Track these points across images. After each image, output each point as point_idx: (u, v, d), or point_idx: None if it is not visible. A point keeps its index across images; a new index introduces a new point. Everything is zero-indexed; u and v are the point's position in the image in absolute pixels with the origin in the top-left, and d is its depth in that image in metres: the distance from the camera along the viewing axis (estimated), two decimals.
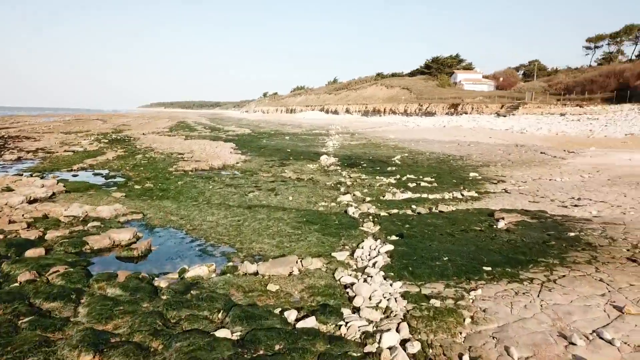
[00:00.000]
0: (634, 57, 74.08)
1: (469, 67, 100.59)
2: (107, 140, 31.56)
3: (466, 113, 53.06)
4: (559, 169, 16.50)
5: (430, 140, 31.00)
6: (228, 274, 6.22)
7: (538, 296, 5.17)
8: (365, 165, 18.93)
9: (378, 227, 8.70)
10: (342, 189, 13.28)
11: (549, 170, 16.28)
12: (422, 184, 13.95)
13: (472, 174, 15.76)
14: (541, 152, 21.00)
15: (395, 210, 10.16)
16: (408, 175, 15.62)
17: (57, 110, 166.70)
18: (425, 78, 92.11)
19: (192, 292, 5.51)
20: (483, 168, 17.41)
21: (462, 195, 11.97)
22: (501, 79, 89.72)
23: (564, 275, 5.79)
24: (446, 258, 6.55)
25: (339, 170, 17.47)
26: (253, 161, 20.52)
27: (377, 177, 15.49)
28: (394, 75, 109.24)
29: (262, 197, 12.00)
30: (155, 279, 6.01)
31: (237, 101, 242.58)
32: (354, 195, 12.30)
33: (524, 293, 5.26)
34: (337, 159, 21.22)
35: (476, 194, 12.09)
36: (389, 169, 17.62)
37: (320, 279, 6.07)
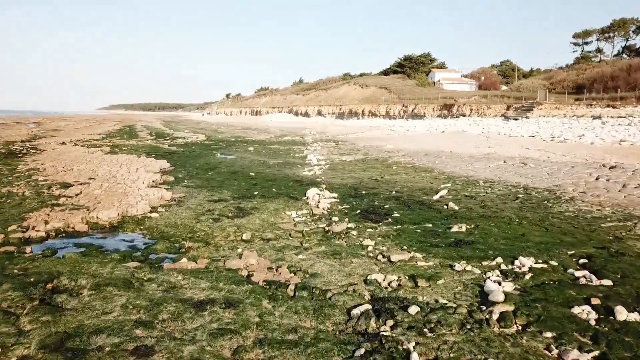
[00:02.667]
0: (611, 57, 68.44)
1: (442, 66, 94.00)
2: None
3: (464, 115, 45.00)
4: None
5: (451, 153, 22.40)
6: None
7: None
8: (397, 214, 9.96)
9: None
10: (415, 354, 4.28)
11: None
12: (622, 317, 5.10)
13: None
14: None
15: None
16: (523, 259, 6.80)
17: (16, 114, 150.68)
18: (402, 77, 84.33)
19: None
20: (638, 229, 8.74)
21: None
22: (482, 78, 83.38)
23: None
24: None
25: (353, 233, 8.49)
26: (186, 203, 11.29)
27: (458, 264, 6.62)
28: (362, 75, 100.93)
29: None
30: None
31: (200, 103, 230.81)
32: None
33: None
34: (335, 194, 12.23)
35: None
36: (454, 229, 8.71)
37: None
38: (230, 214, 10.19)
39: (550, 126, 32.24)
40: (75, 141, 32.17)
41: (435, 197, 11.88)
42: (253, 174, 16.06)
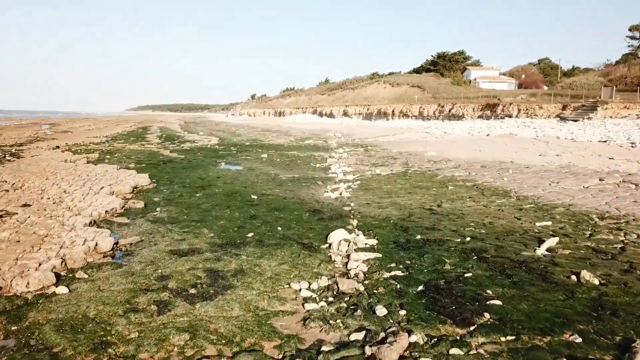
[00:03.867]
0: None
1: (477, 64, 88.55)
2: None
3: (509, 116, 39.73)
4: None
5: (513, 164, 17.52)
6: None
7: None
8: (496, 300, 5.31)
9: None
10: None
11: None
12: None
13: None
14: None
15: None
16: None
17: (46, 114, 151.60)
18: (435, 75, 79.04)
19: None
20: None
21: None
22: (523, 76, 77.67)
23: None
24: None
25: None
26: (133, 259, 6.90)
27: None
28: (391, 74, 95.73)
29: None
30: None
31: (226, 104, 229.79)
32: None
33: None
34: (373, 242, 7.67)
35: None
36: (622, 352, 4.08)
37: None
38: (192, 290, 5.76)
39: (622, 129, 26.88)
40: (71, 145, 28.51)
41: (540, 251, 7.18)
42: (255, 197, 11.60)
